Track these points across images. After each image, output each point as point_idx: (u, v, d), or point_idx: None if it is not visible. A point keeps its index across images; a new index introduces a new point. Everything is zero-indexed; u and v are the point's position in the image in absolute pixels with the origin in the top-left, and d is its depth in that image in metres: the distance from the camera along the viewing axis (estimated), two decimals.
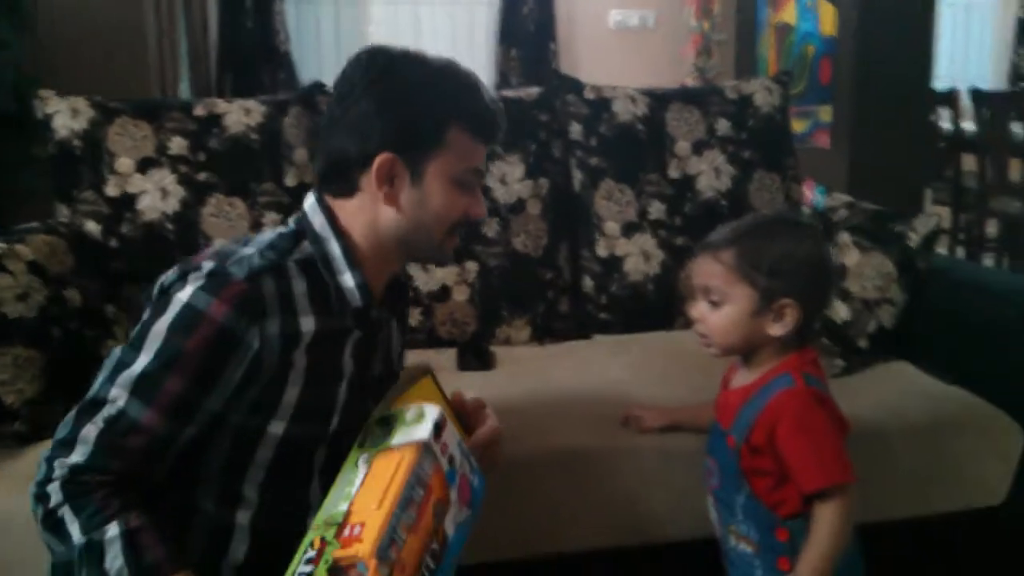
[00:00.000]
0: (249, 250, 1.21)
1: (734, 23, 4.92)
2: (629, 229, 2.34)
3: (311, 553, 1.06)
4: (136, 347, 1.15)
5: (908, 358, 2.03)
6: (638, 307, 2.30)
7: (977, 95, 4.45)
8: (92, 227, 2.06)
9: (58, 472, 1.11)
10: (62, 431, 1.14)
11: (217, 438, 1.20)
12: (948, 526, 1.83)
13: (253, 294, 1.16)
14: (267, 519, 1.24)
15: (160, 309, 1.17)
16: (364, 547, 1.02)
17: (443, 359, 2.11)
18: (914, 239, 1.98)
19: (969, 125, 4.51)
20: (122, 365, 1.15)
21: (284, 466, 1.24)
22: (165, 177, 2.10)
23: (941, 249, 2.97)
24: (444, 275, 2.21)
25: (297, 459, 1.26)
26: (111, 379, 1.15)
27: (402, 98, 1.25)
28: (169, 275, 1.21)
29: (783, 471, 1.32)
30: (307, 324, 1.21)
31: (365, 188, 1.26)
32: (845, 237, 2.09)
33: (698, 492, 1.51)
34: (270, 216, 2.13)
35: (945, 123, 4.63)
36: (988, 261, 4.81)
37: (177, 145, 2.13)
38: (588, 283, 2.34)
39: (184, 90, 3.98)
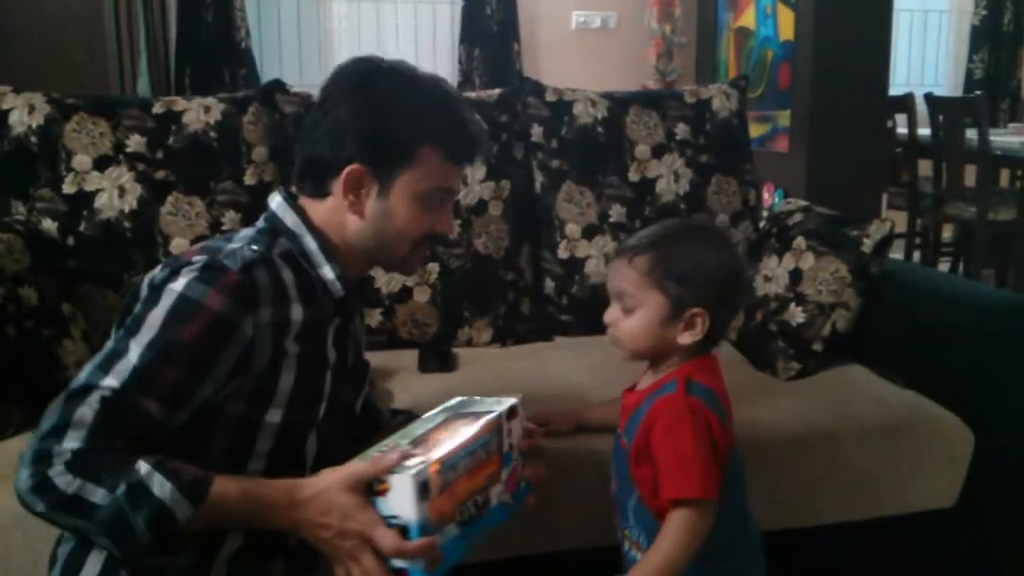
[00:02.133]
0: (235, 245, 1.23)
1: (695, 27, 4.97)
2: (590, 231, 2.35)
3: (384, 448, 1.18)
4: (129, 337, 1.15)
5: (862, 361, 2.06)
6: (599, 309, 2.28)
7: (932, 101, 4.52)
8: (49, 225, 2.03)
9: (58, 459, 1.07)
10: (49, 420, 1.11)
11: (218, 430, 1.21)
12: (900, 529, 1.86)
13: (248, 284, 1.18)
14: None
15: (153, 300, 1.17)
16: (434, 454, 1.14)
17: (404, 360, 2.11)
18: (868, 244, 2.01)
19: (925, 131, 4.57)
20: (115, 354, 1.15)
21: (282, 456, 1.25)
22: (123, 175, 2.08)
23: (897, 254, 3.02)
24: (405, 277, 2.21)
25: (293, 448, 1.28)
26: (103, 367, 1.14)
27: (377, 111, 1.28)
28: (158, 272, 1.22)
29: (657, 478, 1.31)
30: (296, 313, 1.24)
31: (334, 194, 1.30)
32: (800, 241, 2.12)
33: None
34: (229, 215, 2.12)
35: (901, 128, 4.69)
36: (944, 266, 4.89)
37: (135, 143, 2.11)
38: (549, 285, 2.35)
39: (143, 86, 3.93)
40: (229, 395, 1.20)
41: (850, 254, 2.01)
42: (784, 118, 4.04)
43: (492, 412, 1.27)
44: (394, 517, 1.10)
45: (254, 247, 1.23)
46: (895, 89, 4.40)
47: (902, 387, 1.93)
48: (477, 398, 1.37)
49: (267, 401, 1.23)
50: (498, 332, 2.28)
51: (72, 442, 1.08)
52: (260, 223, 1.33)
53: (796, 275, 2.07)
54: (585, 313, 2.32)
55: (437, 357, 2.13)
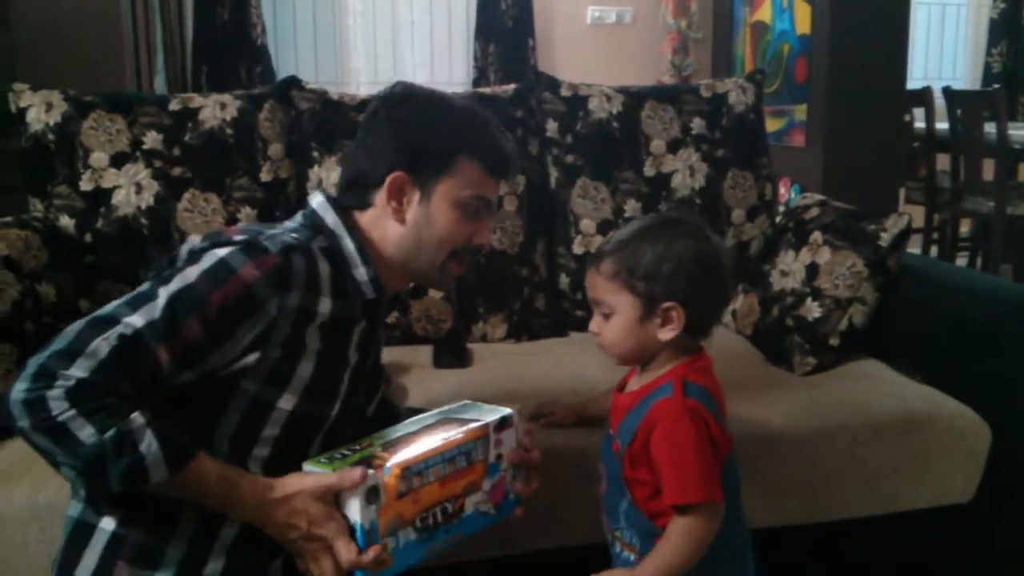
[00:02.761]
0: (276, 231, 1.28)
1: (711, 21, 4.95)
2: (605, 226, 2.35)
3: (355, 447, 1.23)
4: (162, 284, 1.18)
5: (879, 356, 2.06)
6: None
7: (950, 94, 4.48)
8: (66, 222, 2.05)
9: (61, 382, 1.08)
10: (62, 342, 1.12)
11: (232, 406, 1.23)
12: (916, 524, 1.85)
13: (284, 267, 1.22)
14: None
15: (194, 260, 1.21)
16: (398, 459, 1.19)
17: (419, 356, 2.12)
18: (885, 238, 2.00)
19: (943, 125, 4.54)
20: (145, 296, 1.17)
21: (286, 447, 1.27)
22: (139, 172, 2.09)
23: (914, 249, 3.00)
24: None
25: (299, 442, 1.29)
26: (131, 304, 1.16)
27: (417, 123, 1.36)
28: (197, 241, 1.26)
29: (658, 482, 1.30)
30: (324, 305, 1.27)
31: (377, 204, 1.36)
32: (817, 236, 2.11)
33: None
34: (245, 211, 2.13)
35: (919, 122, 4.66)
36: (961, 261, 4.86)
37: (152, 139, 2.12)
38: (564, 280, 2.35)
39: (160, 83, 3.95)
40: (247, 370, 1.21)
41: (867, 248, 2.00)
42: (801, 112, 4.02)
43: (479, 421, 1.30)
44: (345, 517, 1.16)
45: (295, 235, 1.28)
46: (913, 83, 4.38)
47: (919, 382, 1.92)
48: (479, 404, 1.39)
49: (283, 385, 1.24)
50: (513, 328, 2.28)
51: (79, 371, 1.09)
52: (299, 219, 1.37)
53: (813, 270, 2.06)
54: None
55: (452, 353, 2.13)
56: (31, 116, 2.08)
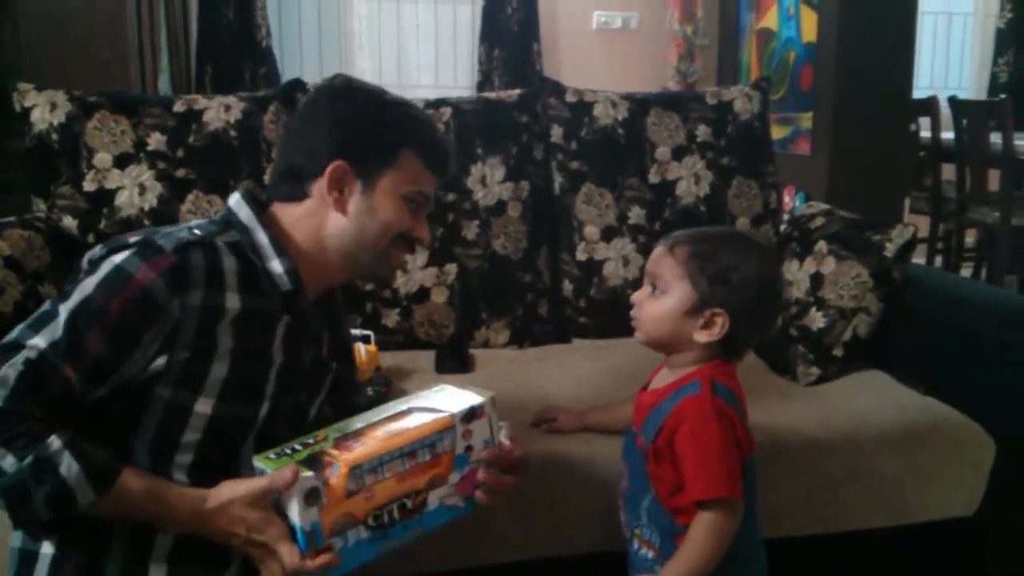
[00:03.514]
0: (174, 229, 1.26)
1: (717, 28, 4.95)
2: (609, 233, 2.34)
3: (309, 440, 1.20)
4: (61, 302, 1.18)
5: (883, 367, 2.05)
6: (617, 311, 2.29)
7: (956, 104, 4.47)
8: (69, 222, 2.04)
9: None
10: None
11: (148, 414, 1.20)
12: (921, 536, 1.84)
13: (180, 265, 1.19)
14: None
15: (92, 271, 1.20)
16: (348, 457, 1.14)
17: (421, 361, 2.11)
18: (890, 248, 1.99)
19: (948, 134, 4.53)
20: (46, 316, 1.17)
21: (211, 452, 1.24)
22: (143, 173, 2.09)
23: (919, 259, 2.99)
24: (423, 276, 2.21)
25: (224, 446, 1.26)
26: (34, 327, 1.16)
27: (360, 114, 1.34)
28: (96, 250, 1.24)
29: (681, 479, 1.32)
30: (232, 301, 1.23)
31: (315, 195, 1.33)
32: (822, 245, 2.10)
33: None
34: None
35: (925, 132, 4.65)
36: (966, 271, 4.84)
37: (156, 141, 2.11)
38: (567, 287, 2.34)
39: (164, 84, 3.95)
40: (158, 376, 1.19)
41: (872, 259, 1.99)
42: (806, 120, 4.01)
43: (444, 412, 1.25)
44: (287, 518, 1.13)
45: (196, 231, 1.25)
46: (918, 92, 4.36)
47: (923, 393, 1.91)
48: (453, 389, 1.33)
49: (197, 388, 1.21)
50: (515, 334, 2.27)
51: None
52: (216, 218, 1.35)
53: (817, 279, 2.05)
54: (603, 315, 2.31)
55: (454, 358, 2.13)
56: (35, 116, 2.08)
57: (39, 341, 1.14)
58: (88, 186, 2.07)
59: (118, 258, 1.19)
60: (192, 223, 1.31)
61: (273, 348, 1.29)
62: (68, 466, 1.09)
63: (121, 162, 2.09)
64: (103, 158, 2.08)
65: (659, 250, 1.42)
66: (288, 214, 1.34)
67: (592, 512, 1.64)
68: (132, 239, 1.21)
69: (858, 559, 1.86)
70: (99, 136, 2.09)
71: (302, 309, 1.33)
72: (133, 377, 1.18)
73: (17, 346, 1.14)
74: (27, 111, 2.09)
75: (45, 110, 2.08)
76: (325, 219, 1.33)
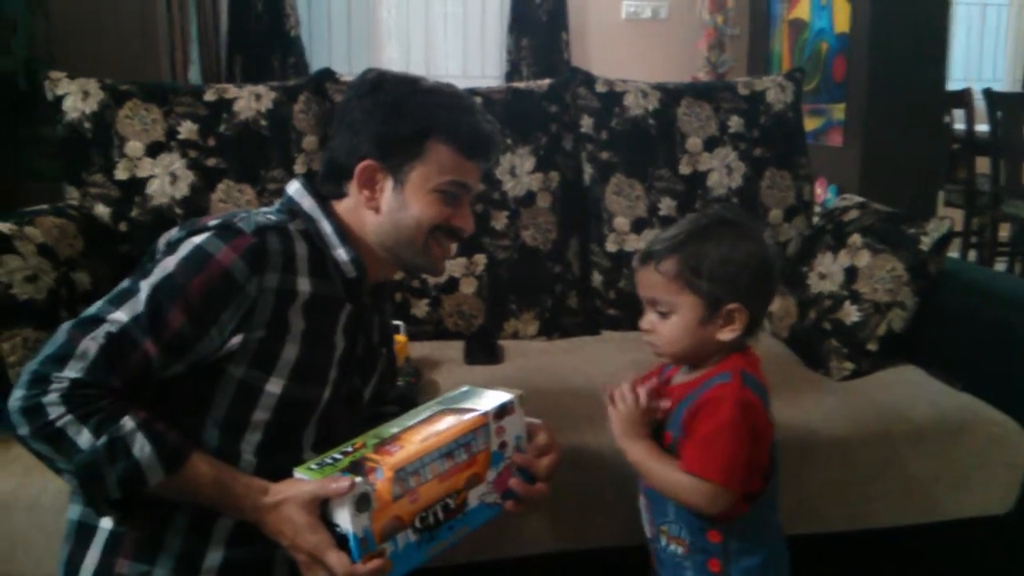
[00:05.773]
0: (251, 213, 1.29)
1: (748, 18, 4.91)
2: (639, 225, 2.32)
3: (348, 448, 1.19)
4: (144, 277, 1.20)
5: (917, 363, 2.02)
6: None
7: (991, 96, 4.41)
8: (102, 210, 2.05)
9: (56, 386, 1.10)
10: (52, 346, 1.14)
11: (220, 392, 1.23)
12: (954, 534, 1.81)
13: (259, 246, 1.23)
14: None
15: (172, 251, 1.23)
16: (390, 460, 1.14)
17: (450, 352, 2.11)
18: (926, 242, 1.96)
19: (983, 127, 4.47)
20: (127, 292, 1.19)
21: (279, 432, 1.27)
22: (174, 162, 2.09)
23: (953, 252, 2.95)
24: (452, 267, 2.20)
25: (290, 427, 1.29)
26: (115, 302, 1.18)
27: (385, 108, 1.34)
28: (174, 232, 1.27)
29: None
30: (304, 285, 1.27)
31: (351, 193, 1.36)
32: (856, 238, 2.07)
33: None
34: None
35: (959, 124, 4.59)
36: (1000, 265, 4.78)
37: (187, 130, 2.12)
38: (597, 278, 2.33)
39: (194, 74, 3.96)
40: (232, 354, 1.22)
41: (908, 252, 1.97)
42: (838, 112, 3.97)
43: (477, 411, 1.26)
44: (337, 526, 1.13)
45: (271, 216, 1.28)
46: (952, 84, 4.32)
47: (958, 389, 1.89)
48: (480, 390, 1.34)
49: (269, 368, 1.25)
50: (544, 325, 2.26)
51: (72, 372, 1.11)
52: (276, 205, 1.38)
53: (851, 273, 2.03)
54: (633, 307, 2.27)
55: (483, 349, 2.12)
56: (67, 104, 2.09)
57: (121, 315, 1.16)
58: (120, 175, 2.07)
59: (199, 239, 1.22)
60: (261, 209, 1.34)
61: (336, 335, 1.33)
62: (141, 447, 1.11)
63: (153, 151, 2.09)
64: (135, 147, 2.08)
65: (644, 272, 1.38)
66: (339, 208, 1.37)
67: (617, 506, 1.63)
68: (211, 222, 1.25)
69: (887, 556, 1.85)
70: (131, 125, 2.09)
71: (361, 297, 1.36)
72: (209, 355, 1.21)
73: (97, 320, 1.16)
74: (59, 99, 2.09)
75: (77, 98, 2.09)
76: (363, 218, 1.35)
